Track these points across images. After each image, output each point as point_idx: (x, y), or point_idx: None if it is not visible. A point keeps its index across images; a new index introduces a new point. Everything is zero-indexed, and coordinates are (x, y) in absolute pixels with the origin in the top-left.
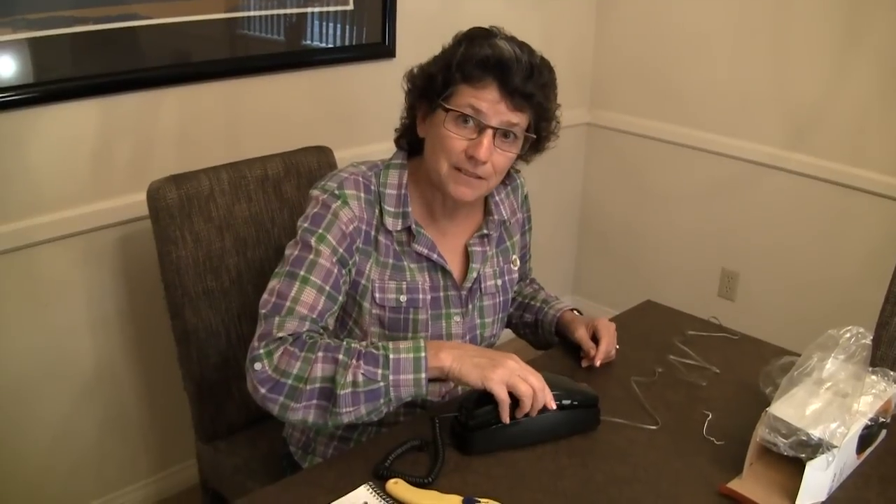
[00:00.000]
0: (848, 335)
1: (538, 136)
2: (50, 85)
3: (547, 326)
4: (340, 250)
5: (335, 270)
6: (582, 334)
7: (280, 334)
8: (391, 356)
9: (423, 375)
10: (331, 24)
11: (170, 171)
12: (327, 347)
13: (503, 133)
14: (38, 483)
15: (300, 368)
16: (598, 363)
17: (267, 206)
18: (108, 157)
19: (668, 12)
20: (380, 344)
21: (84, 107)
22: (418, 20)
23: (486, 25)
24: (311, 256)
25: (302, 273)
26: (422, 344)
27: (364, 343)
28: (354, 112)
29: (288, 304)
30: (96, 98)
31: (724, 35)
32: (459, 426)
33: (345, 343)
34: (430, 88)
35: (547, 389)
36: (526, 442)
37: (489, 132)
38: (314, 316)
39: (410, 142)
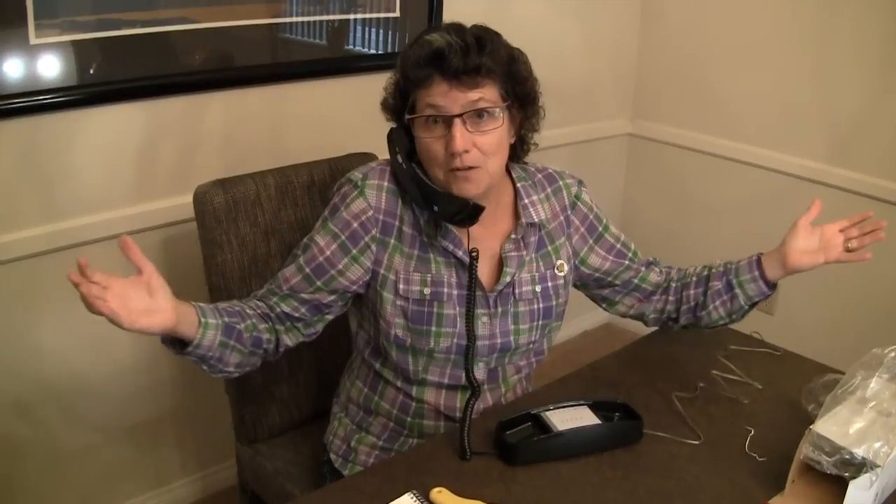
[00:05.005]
0: (893, 354)
1: (520, 100)
2: (96, 87)
3: (744, 274)
4: (342, 237)
5: (326, 254)
6: (803, 223)
7: None
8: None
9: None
10: (374, 30)
11: (214, 174)
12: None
13: (476, 114)
14: (76, 481)
15: None
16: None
17: (313, 213)
18: (152, 160)
19: (713, 23)
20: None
21: (129, 109)
22: None
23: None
24: (307, 240)
25: (297, 252)
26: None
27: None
28: None
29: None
30: (142, 101)
31: (769, 47)
32: (502, 437)
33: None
34: (400, 110)
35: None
36: (569, 454)
37: (456, 122)
38: (284, 289)
39: None
